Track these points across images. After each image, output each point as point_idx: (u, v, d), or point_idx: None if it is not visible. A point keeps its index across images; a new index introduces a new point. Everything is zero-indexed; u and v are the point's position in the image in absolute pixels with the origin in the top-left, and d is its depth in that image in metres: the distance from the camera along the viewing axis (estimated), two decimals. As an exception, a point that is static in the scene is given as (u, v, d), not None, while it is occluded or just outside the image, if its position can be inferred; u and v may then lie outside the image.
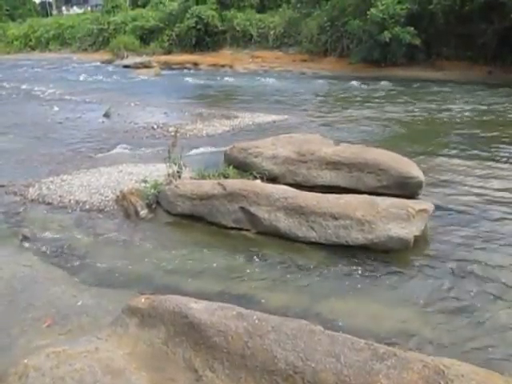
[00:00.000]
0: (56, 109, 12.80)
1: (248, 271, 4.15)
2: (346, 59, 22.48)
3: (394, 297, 3.72)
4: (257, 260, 4.34)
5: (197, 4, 30.50)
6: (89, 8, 60.12)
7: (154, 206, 5.47)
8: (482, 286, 3.81)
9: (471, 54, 19.04)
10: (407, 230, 4.33)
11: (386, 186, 5.42)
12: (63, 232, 5.05)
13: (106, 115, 11.47)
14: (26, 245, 4.77)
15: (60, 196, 5.93)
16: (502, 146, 7.94)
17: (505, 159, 7.17)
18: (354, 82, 17.65)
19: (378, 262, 4.21)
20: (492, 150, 7.70)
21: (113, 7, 39.30)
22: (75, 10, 64.85)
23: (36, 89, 17.40)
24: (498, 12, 17.47)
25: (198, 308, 2.76)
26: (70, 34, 40.31)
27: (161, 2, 38.40)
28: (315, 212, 4.52)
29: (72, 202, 5.76)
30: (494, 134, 8.92)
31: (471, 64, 18.79)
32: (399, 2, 19.80)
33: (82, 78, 21.28)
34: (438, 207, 5.06)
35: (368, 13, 19.95)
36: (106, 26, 36.71)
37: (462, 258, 4.26)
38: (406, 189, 5.37)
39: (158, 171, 6.31)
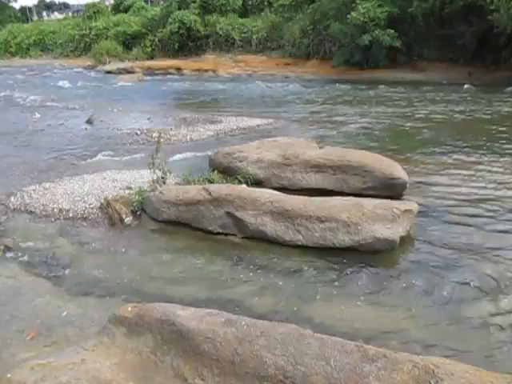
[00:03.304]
0: (37, 116, 12.62)
1: (235, 276, 4.12)
2: (328, 62, 22.66)
3: (381, 297, 3.73)
4: (244, 265, 4.32)
5: (179, 9, 30.48)
6: (70, 13, 59.64)
7: (138, 213, 5.42)
8: (468, 284, 3.84)
9: (451, 56, 19.36)
10: (393, 231, 4.35)
11: (371, 187, 5.46)
12: (47, 241, 4.97)
13: (89, 122, 11.36)
14: (9, 255, 4.68)
15: (43, 204, 5.82)
16: (482, 145, 8.05)
17: (486, 158, 7.27)
18: (337, 85, 17.80)
19: (365, 263, 4.22)
20: (473, 149, 7.80)
21: (94, 12, 39.02)
22: (56, 15, 64.33)
23: (17, 95, 17.16)
24: (476, 14, 17.79)
25: (185, 315, 2.73)
26: (51, 40, 39.91)
27: (143, 7, 38.31)
28: (301, 215, 4.52)
29: (55, 210, 5.66)
30: (475, 133, 9.04)
31: (452, 65, 19.10)
32: (379, 6, 20.04)
33: (63, 85, 21.03)
34: (422, 207, 5.11)
35: (349, 16, 20.16)
36: (87, 32, 36.45)
37: (448, 256, 4.30)
38: (390, 190, 5.42)
39: (143, 177, 6.26)
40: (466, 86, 15.70)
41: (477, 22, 17.87)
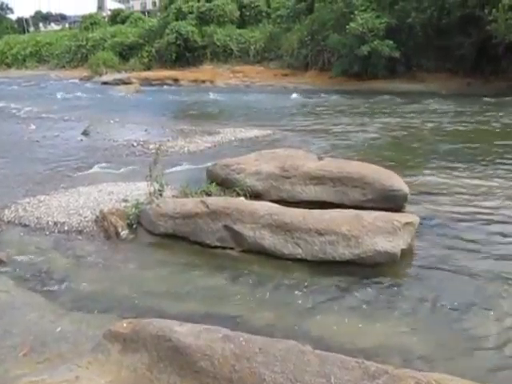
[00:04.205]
0: (33, 127, 12.64)
1: (233, 291, 4.09)
2: (327, 73, 22.84)
3: (382, 312, 3.71)
4: (242, 279, 4.29)
5: (176, 20, 30.79)
6: (67, 25, 60.16)
7: (135, 226, 5.39)
8: (470, 298, 3.83)
9: (450, 66, 19.53)
10: (394, 244, 4.34)
11: (371, 199, 5.46)
12: (41, 255, 4.93)
13: (85, 133, 11.38)
14: (2, 269, 4.63)
15: (37, 217, 5.79)
16: (483, 157, 8.07)
17: (487, 170, 7.28)
18: (336, 96, 17.90)
19: (366, 276, 4.20)
20: (474, 161, 7.82)
21: (91, 24, 39.45)
22: (53, 26, 64.90)
23: (12, 106, 17.23)
24: (474, 25, 17.99)
25: (182, 331, 2.71)
26: (48, 51, 40.27)
27: (140, 18, 38.72)
28: (301, 228, 4.51)
29: (50, 223, 5.64)
30: (476, 145, 9.08)
31: (451, 76, 19.26)
32: (378, 17, 20.29)
33: (59, 96, 21.18)
34: (423, 220, 5.10)
35: (347, 27, 20.36)
36: (84, 43, 36.78)
37: (449, 270, 4.28)
38: (391, 202, 5.41)
39: (139, 190, 6.25)
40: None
41: (475, 33, 18.07)
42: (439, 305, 3.77)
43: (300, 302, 3.89)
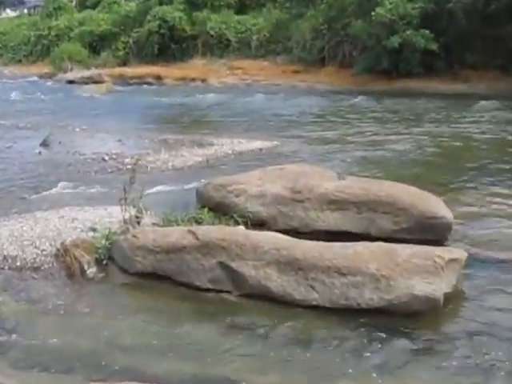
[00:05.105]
0: (-21, 137, 12.79)
1: (230, 347, 4.06)
2: (348, 69, 23.09)
3: (420, 375, 3.66)
4: (241, 331, 4.27)
5: (160, 4, 31.26)
6: (25, 11, 61.09)
7: (105, 263, 5.40)
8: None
9: (501, 62, 19.64)
10: (435, 287, 4.31)
11: (406, 229, 5.46)
12: (-14, 298, 4.94)
13: (45, 144, 11.50)
14: None
15: (-18, 250, 5.81)
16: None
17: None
18: (360, 98, 18.06)
19: (400, 329, 4.17)
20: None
21: (55, 9, 40.11)
22: (8, 13, 65.85)
23: (-46, 112, 17.42)
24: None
25: (165, 400, 2.68)
26: (1, 43, 40.83)
27: (114, 2, 39.29)
28: (316, 266, 4.50)
29: (-2, 258, 5.65)
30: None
31: (501, 74, 19.36)
32: (410, 0, 20.51)
33: (14, 97, 21.56)
34: (472, 255, 5.07)
35: (373, 13, 20.60)
36: (46, 32, 37.37)
37: (507, 320, 4.24)
38: (430, 232, 5.41)
39: (111, 216, 6.26)
40: None
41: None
42: (493, 366, 3.71)
43: (315, 361, 3.85)
